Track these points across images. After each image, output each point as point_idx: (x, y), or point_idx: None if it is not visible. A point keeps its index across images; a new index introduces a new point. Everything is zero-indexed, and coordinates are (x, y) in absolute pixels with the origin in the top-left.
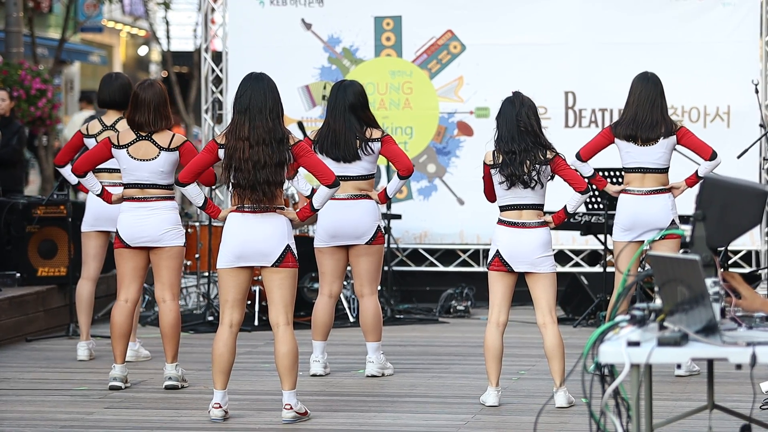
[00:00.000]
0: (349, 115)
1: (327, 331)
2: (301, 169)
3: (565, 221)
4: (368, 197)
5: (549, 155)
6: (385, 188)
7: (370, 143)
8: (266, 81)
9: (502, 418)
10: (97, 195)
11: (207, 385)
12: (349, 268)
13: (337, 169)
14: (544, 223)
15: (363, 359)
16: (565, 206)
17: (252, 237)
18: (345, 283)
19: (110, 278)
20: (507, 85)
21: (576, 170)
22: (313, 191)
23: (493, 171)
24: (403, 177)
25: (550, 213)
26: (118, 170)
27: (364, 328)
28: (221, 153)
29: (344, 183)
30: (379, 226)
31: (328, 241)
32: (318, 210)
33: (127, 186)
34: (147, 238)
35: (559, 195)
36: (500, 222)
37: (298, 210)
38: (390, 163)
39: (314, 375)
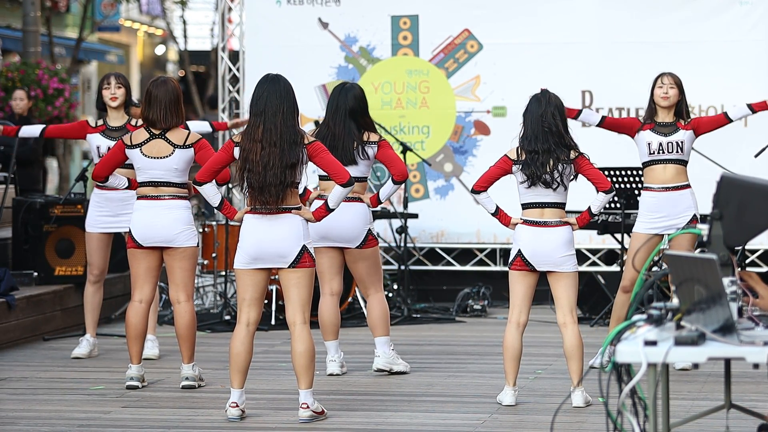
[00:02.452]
0: (348, 120)
1: (336, 330)
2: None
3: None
4: (360, 200)
5: (572, 155)
6: (378, 192)
7: (366, 147)
8: (282, 83)
9: (519, 417)
10: (126, 188)
11: (224, 384)
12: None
13: None
14: (566, 222)
15: None
16: (589, 207)
17: (268, 239)
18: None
19: (126, 278)
20: (524, 85)
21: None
22: (306, 191)
23: (515, 168)
24: (398, 182)
25: (573, 213)
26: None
27: (371, 324)
28: (237, 152)
29: None
30: (369, 230)
31: (318, 242)
32: (334, 209)
33: (141, 185)
34: (160, 239)
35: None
36: (522, 221)
37: (314, 210)
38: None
39: (331, 374)
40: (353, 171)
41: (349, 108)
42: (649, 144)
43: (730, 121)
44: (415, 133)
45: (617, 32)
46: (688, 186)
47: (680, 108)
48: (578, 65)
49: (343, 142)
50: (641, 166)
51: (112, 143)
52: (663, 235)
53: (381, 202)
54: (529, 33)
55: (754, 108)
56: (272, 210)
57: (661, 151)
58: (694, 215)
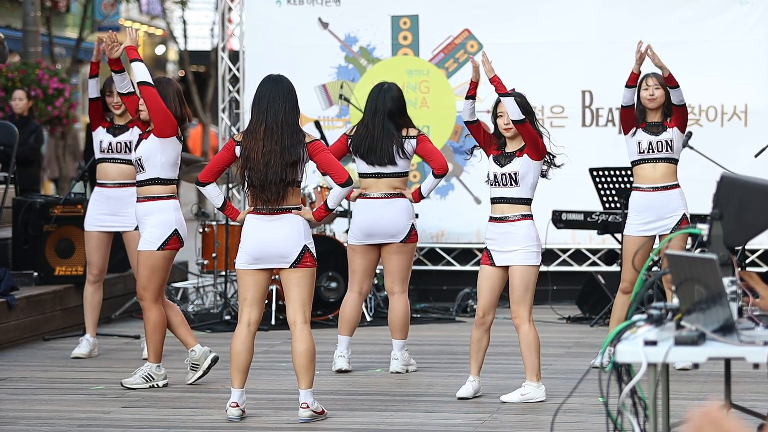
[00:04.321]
0: (387, 122)
1: (353, 327)
2: None
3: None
4: (402, 196)
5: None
6: (419, 187)
7: (405, 142)
8: (284, 83)
9: (519, 417)
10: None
11: (224, 384)
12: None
13: (371, 168)
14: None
15: (380, 358)
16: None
17: (269, 239)
18: None
19: (126, 278)
20: (524, 85)
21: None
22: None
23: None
24: (438, 175)
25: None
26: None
27: (392, 326)
28: (238, 150)
29: (378, 181)
30: (413, 225)
31: (362, 240)
32: (333, 210)
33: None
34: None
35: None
36: (491, 218)
37: (314, 210)
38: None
39: (339, 371)
40: (393, 168)
41: (387, 110)
42: (639, 143)
43: (682, 105)
44: None
45: (617, 32)
46: (677, 186)
47: (667, 107)
48: (578, 65)
49: (382, 143)
50: (630, 166)
51: (114, 140)
52: (656, 235)
53: (423, 197)
54: (529, 33)
55: (667, 83)
56: (273, 210)
57: (651, 150)
58: (684, 215)
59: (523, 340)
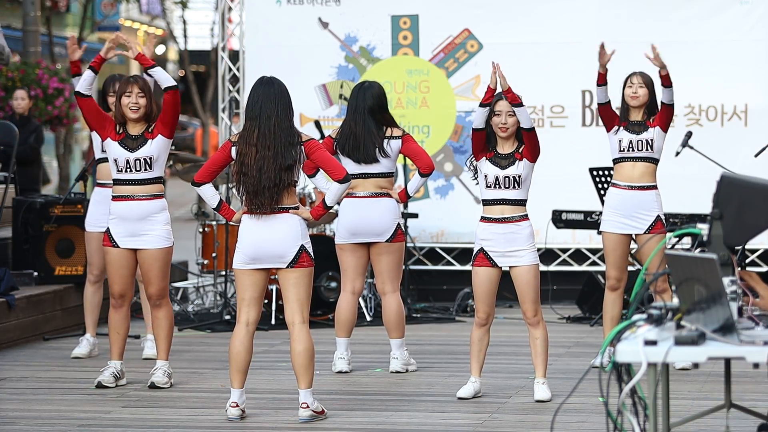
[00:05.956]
0: (368, 118)
1: (350, 328)
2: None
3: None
4: (388, 195)
5: None
6: (406, 187)
7: (389, 142)
8: (276, 85)
9: (519, 417)
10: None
11: (224, 384)
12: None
13: (357, 167)
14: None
15: (380, 358)
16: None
17: (265, 239)
18: None
19: None
20: (524, 85)
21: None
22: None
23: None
24: (424, 175)
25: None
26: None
27: (388, 326)
28: (234, 152)
29: (364, 181)
30: (398, 224)
31: (348, 238)
32: (331, 208)
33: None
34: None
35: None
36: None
37: (312, 209)
38: (406, 163)
39: (340, 372)
40: (377, 166)
41: (368, 107)
42: (620, 141)
43: (671, 104)
44: (415, 132)
45: (617, 32)
46: (654, 187)
47: (651, 107)
48: (578, 65)
49: (365, 141)
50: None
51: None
52: (631, 234)
53: (410, 197)
54: (529, 33)
55: (662, 82)
56: (273, 210)
57: (631, 149)
58: (658, 216)
59: (541, 337)
